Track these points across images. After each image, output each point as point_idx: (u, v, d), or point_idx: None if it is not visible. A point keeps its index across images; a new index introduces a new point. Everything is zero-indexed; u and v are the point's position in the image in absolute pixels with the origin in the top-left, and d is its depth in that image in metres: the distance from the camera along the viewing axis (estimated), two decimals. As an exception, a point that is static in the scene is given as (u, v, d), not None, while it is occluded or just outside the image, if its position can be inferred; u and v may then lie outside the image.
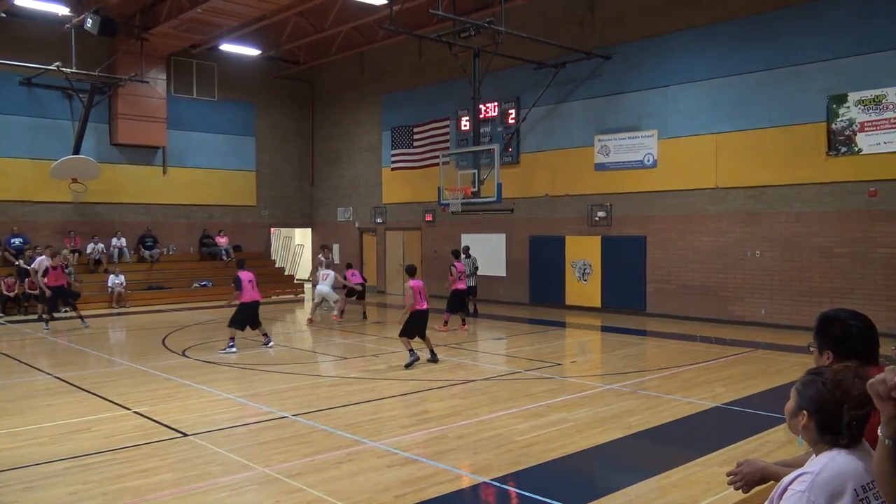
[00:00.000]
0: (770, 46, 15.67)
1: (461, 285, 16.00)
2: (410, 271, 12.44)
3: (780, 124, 15.58)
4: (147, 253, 23.26)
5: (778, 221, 15.72)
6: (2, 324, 17.69)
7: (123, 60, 22.27)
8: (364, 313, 18.22)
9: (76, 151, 21.62)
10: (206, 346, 13.79)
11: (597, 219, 18.91)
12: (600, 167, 18.79)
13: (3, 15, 19.23)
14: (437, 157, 20.66)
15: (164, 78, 23.88)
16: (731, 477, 2.80)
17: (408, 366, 11.17)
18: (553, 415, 8.33)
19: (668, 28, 17.39)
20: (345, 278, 17.63)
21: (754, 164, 16.00)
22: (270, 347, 13.36)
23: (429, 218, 23.44)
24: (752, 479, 2.77)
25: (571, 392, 9.56)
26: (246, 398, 9.30)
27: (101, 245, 22.34)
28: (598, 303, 18.94)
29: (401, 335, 11.55)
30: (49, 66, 20.10)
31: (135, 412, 8.58)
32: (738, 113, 16.23)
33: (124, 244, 22.93)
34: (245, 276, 13.28)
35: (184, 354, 12.85)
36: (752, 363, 11.74)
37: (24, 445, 7.28)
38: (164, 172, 24.36)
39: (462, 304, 16.24)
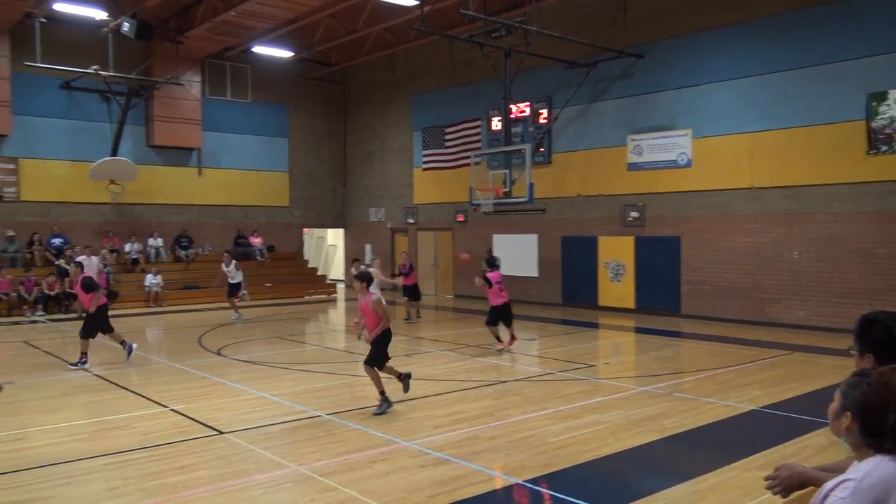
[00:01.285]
0: (805, 44, 15.39)
1: (500, 299, 13.07)
2: (366, 278, 8.73)
3: (816, 123, 15.28)
4: (183, 253, 23.61)
5: (815, 222, 15.43)
6: (43, 322, 18.08)
7: (159, 63, 22.64)
8: (410, 313, 18.08)
9: (114, 153, 22.02)
10: (241, 345, 13.95)
11: (630, 219, 18.74)
12: (633, 167, 18.61)
13: (44, 20, 19.66)
14: (469, 157, 20.64)
15: (199, 80, 24.22)
16: (769, 481, 2.75)
17: (379, 413, 8.41)
18: (586, 416, 8.27)
19: (701, 26, 17.17)
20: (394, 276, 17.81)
21: (791, 164, 15.73)
22: (131, 357, 12.18)
23: (460, 218, 23.44)
24: (790, 483, 2.72)
25: (605, 394, 9.49)
26: (280, 397, 9.38)
27: (138, 245, 22.74)
28: (631, 304, 18.77)
29: (373, 364, 8.62)
30: (87, 69, 20.51)
31: (172, 410, 8.71)
32: (774, 111, 15.96)
33: (161, 244, 23.31)
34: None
35: (219, 353, 13.02)
36: (789, 366, 11.54)
37: (65, 441, 7.43)
38: (199, 173, 24.70)
39: (501, 317, 13.17)
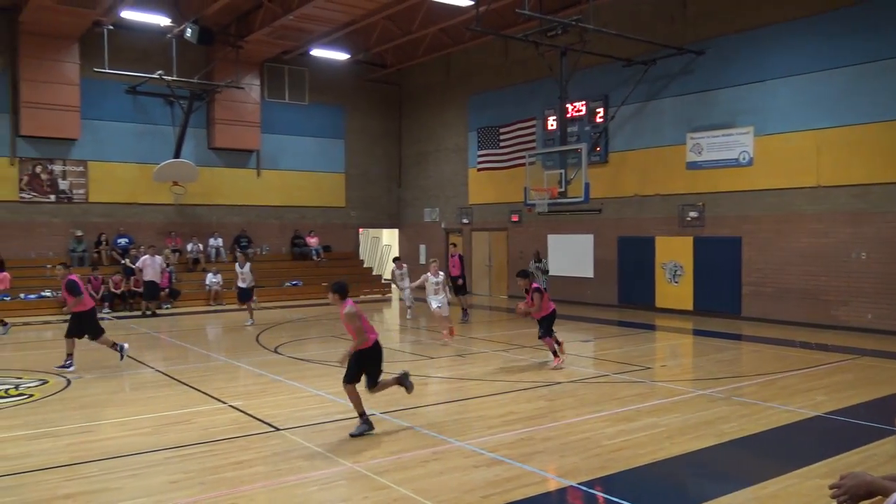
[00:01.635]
0: (873, 37, 14.83)
1: (546, 310, 11.66)
2: (341, 290, 7.66)
3: (886, 119, 14.71)
4: (244, 252, 24.08)
5: (885, 221, 14.85)
6: (109, 319, 18.70)
7: (220, 68, 23.20)
8: (467, 312, 18.17)
9: (177, 155, 22.66)
10: (297, 344, 14.18)
11: (689, 219, 18.36)
12: (693, 166, 18.24)
13: (111, 27, 20.35)
14: (524, 157, 20.57)
15: (258, 83, 24.73)
16: (833, 490, 2.65)
17: (356, 435, 7.46)
18: (642, 419, 8.13)
19: (764, 21, 16.72)
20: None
21: (859, 161, 15.18)
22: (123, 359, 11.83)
23: (515, 218, 23.34)
24: (856, 493, 2.61)
25: (661, 397, 9.31)
26: (335, 395, 9.48)
27: (199, 245, 23.34)
28: (689, 305, 18.39)
29: (350, 382, 7.65)
30: (152, 74, 21.16)
31: (230, 406, 8.91)
32: (841, 108, 15.43)
33: (221, 244, 23.87)
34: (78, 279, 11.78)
35: (276, 351, 13.25)
36: (856, 371, 11.14)
37: (130, 435, 7.67)
38: (258, 175, 25.21)
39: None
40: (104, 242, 21.80)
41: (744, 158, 17.15)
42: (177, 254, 22.66)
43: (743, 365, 12.18)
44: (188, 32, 19.73)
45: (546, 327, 11.54)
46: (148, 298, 19.55)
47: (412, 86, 27.97)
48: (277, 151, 25.50)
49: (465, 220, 25.58)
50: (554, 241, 22.08)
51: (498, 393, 9.61)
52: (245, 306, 17.65)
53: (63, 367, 11.39)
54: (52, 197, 21.58)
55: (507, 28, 20.06)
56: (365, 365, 7.72)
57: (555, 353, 11.51)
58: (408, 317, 18.35)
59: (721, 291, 17.72)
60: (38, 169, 21.38)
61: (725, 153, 17.51)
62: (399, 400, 9.17)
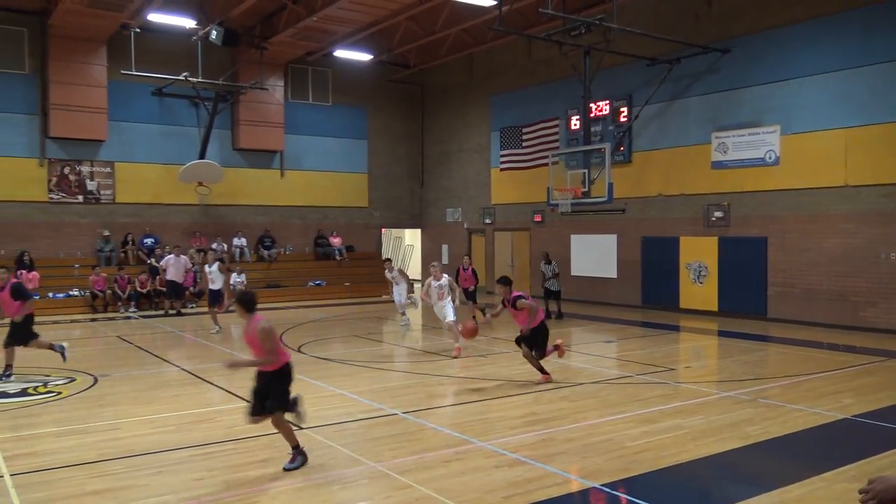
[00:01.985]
0: (906, 34, 14.59)
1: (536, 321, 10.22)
2: (246, 302, 6.73)
3: (918, 117, 14.47)
4: (266, 252, 24.31)
5: (916, 221, 14.61)
6: (136, 318, 18.93)
7: (244, 69, 23.40)
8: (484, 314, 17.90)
9: (202, 156, 22.88)
10: (320, 343, 14.25)
11: (714, 219, 18.19)
12: (718, 165, 18.06)
13: (138, 30, 20.61)
14: (547, 157, 20.50)
15: (282, 85, 24.90)
16: (862, 495, 2.61)
17: (290, 468, 6.47)
18: (666, 421, 8.07)
19: (790, 18, 16.51)
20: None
21: (889, 160, 14.93)
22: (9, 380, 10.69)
23: (538, 219, 23.27)
24: (886, 497, 2.57)
25: (685, 398, 9.23)
26: (357, 394, 9.53)
27: (224, 245, 23.56)
28: (714, 306, 18.21)
29: (281, 410, 6.63)
30: (178, 76, 21.39)
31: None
32: (870, 106, 15.19)
33: (245, 244, 24.07)
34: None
35: (299, 350, 13.33)
36: (884, 373, 10.96)
37: (155, 432, 7.76)
38: (282, 175, 25.38)
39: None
40: (131, 242, 22.08)
41: (770, 157, 16.95)
42: (201, 253, 22.87)
43: (769, 366, 12.03)
44: (213, 34, 19.94)
45: (543, 341, 10.15)
46: (171, 298, 19.76)
47: (435, 86, 28.00)
48: (301, 152, 25.66)
49: (487, 221, 25.56)
50: (577, 241, 21.98)
51: (519, 393, 9.59)
52: (215, 309, 16.24)
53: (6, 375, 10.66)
54: (80, 197, 21.90)
55: (530, 27, 20.01)
56: (270, 386, 6.54)
57: (543, 370, 10.21)
58: (401, 324, 16.57)
59: (746, 292, 17.52)
60: (67, 170, 21.71)
61: (751, 152, 17.31)
62: (422, 400, 9.19)
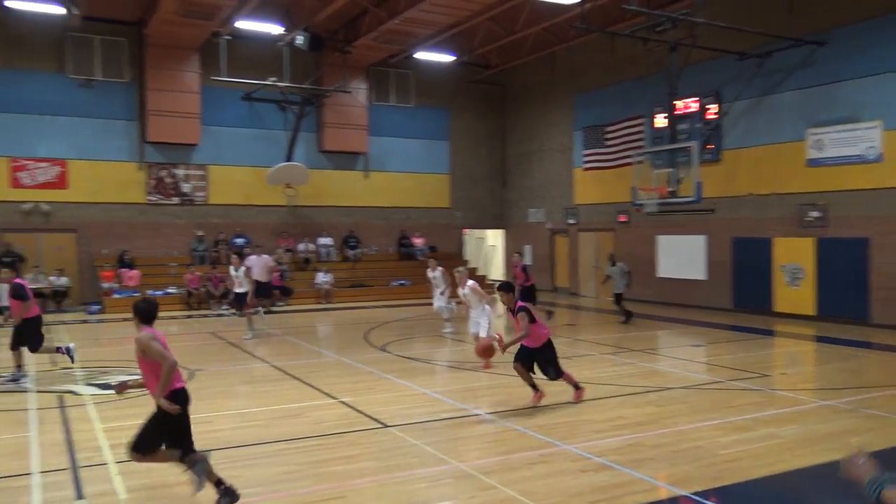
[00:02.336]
0: None
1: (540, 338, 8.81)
2: (141, 312, 5.80)
3: None
4: (350, 253, 24.77)
5: None
6: (228, 315, 19.58)
7: (329, 73, 23.91)
8: (548, 313, 17.23)
9: (288, 159, 23.52)
10: (405, 343, 14.39)
11: (810, 219, 17.39)
12: (814, 163, 17.26)
13: (228, 37, 21.36)
14: (631, 156, 20.08)
15: (365, 87, 25.32)
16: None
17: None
18: (760, 429, 7.75)
19: (891, 8, 15.60)
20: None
21: None
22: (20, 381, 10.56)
23: (622, 219, 22.83)
24: (863, 469, 2.47)
25: (781, 406, 8.85)
26: (441, 394, 9.57)
27: (310, 245, 24.15)
28: (811, 310, 17.40)
29: (185, 453, 5.60)
30: (265, 81, 22.06)
31: (340, 401, 9.14)
32: None
33: (331, 243, 24.61)
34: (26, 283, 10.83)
35: (384, 349, 13.50)
36: None
37: (246, 426, 8.00)
38: (366, 177, 25.80)
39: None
40: (222, 242, 22.91)
41: (871, 154, 16.07)
42: (289, 253, 23.52)
43: (872, 375, 11.41)
44: (299, 40, 20.48)
45: (551, 359, 8.79)
46: (257, 297, 20.28)
47: (516, 85, 27.88)
48: (384, 153, 26.03)
49: (570, 221, 25.25)
50: (664, 242, 21.45)
51: (606, 397, 9.41)
52: (243, 313, 15.78)
53: (14, 379, 10.51)
54: (176, 199, 22.87)
55: (614, 24, 19.64)
56: (165, 422, 5.57)
57: (534, 387, 8.83)
58: (444, 330, 15.60)
59: (847, 296, 16.66)
60: (163, 173, 22.71)
61: (850, 149, 16.47)
62: (505, 401, 9.14)
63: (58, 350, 10.86)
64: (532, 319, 8.63)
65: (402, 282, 24.40)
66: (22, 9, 19.26)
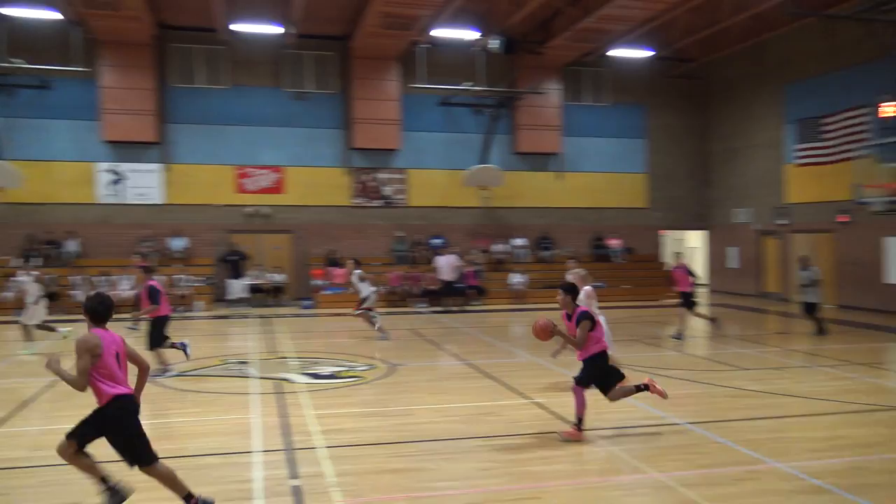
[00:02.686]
0: None
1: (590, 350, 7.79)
2: (90, 310, 5.22)
3: None
4: (546, 254, 24.77)
5: None
6: (427, 313, 20.35)
7: (522, 75, 24.09)
8: (712, 320, 15.81)
9: (483, 161, 23.99)
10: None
11: None
12: None
13: (426, 45, 22.22)
14: (853, 149, 18.23)
15: (559, 87, 25.20)
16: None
17: None
18: None
19: None
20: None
21: None
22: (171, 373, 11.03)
23: (843, 219, 20.79)
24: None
25: None
26: (637, 399, 9.26)
27: (503, 246, 24.48)
28: None
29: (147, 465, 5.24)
30: (460, 86, 22.68)
31: (534, 402, 9.15)
32: None
33: (526, 244, 24.77)
34: (159, 284, 11.15)
35: (577, 352, 13.33)
36: None
37: (443, 421, 8.26)
38: (559, 178, 25.66)
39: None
40: (421, 243, 23.87)
41: None
42: (484, 254, 23.99)
43: None
44: (494, 44, 20.86)
45: (589, 372, 7.68)
46: (444, 295, 20.91)
47: (719, 79, 26.37)
48: (578, 153, 25.75)
49: (781, 221, 23.45)
50: (894, 244, 19.27)
51: (823, 413, 8.62)
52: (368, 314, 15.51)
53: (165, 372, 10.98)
54: (379, 202, 24.19)
55: (831, 7, 17.96)
56: (104, 431, 5.10)
57: (579, 421, 7.47)
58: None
59: None
60: (366, 177, 24.11)
61: None
62: (707, 411, 8.69)
63: (173, 346, 11.04)
64: (592, 329, 7.66)
65: (597, 284, 23.87)
66: (246, 31, 21.34)
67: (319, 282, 22.36)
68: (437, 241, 23.91)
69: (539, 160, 25.48)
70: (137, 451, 5.12)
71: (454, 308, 20.87)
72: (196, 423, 8.36)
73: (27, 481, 6.30)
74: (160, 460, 5.18)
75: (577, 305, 7.99)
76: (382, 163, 24.22)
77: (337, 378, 10.86)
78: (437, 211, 24.66)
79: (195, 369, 11.49)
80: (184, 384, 10.42)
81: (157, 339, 10.91)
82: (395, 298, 21.95)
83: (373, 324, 15.17)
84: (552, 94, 24.98)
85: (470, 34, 21.81)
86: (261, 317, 19.16)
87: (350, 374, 11.20)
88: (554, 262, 24.78)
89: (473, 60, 22.74)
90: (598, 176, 25.98)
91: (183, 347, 10.97)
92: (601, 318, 9.68)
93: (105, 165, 22.13)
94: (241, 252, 21.79)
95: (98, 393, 5.05)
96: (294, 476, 6.33)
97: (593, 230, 25.80)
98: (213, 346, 14.46)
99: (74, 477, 6.26)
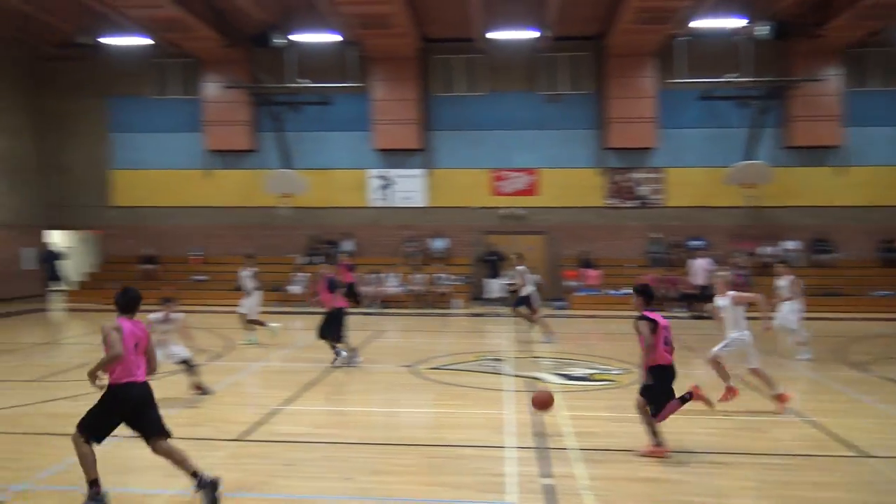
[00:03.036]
0: None
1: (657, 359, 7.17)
2: (117, 301, 5.92)
3: None
4: (823, 257, 22.48)
5: None
6: (685, 318, 19.38)
7: (795, 62, 22.10)
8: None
9: (748, 157, 22.35)
10: (887, 362, 12.51)
11: None
12: None
13: (687, 38, 21.21)
14: None
15: (839, 73, 22.66)
16: None
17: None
18: None
19: None
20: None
21: None
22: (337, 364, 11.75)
23: None
24: None
25: None
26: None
27: (772, 249, 22.56)
28: None
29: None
30: (722, 78, 21.32)
31: (807, 420, 8.34)
32: None
33: (799, 247, 22.64)
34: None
35: (863, 368, 11.91)
36: None
37: (701, 433, 7.78)
38: (839, 173, 23.09)
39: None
40: (679, 244, 22.87)
41: None
42: (750, 257, 22.33)
43: None
44: (762, 30, 19.31)
45: (659, 385, 7.00)
46: (700, 300, 19.66)
47: None
48: (862, 145, 22.95)
49: None
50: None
51: None
52: (519, 314, 15.86)
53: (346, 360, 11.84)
54: (633, 202, 23.64)
55: None
56: (124, 416, 5.66)
57: (654, 434, 6.97)
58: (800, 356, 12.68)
59: None
60: (620, 178, 23.66)
61: None
62: None
63: (337, 344, 11.94)
64: (654, 331, 6.95)
65: (884, 292, 21.19)
66: (502, 38, 22.02)
67: (573, 283, 22.39)
68: (695, 243, 22.74)
69: (815, 154, 23.15)
70: (96, 427, 5.57)
71: (706, 314, 19.60)
72: (454, 416, 8.78)
73: (311, 454, 7.08)
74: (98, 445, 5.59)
75: (649, 309, 7.25)
76: (638, 162, 23.63)
77: (591, 381, 10.79)
78: (695, 211, 23.48)
79: (453, 364, 12.11)
80: (443, 377, 11.02)
81: (335, 331, 11.80)
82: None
83: (533, 322, 15.47)
84: (831, 80, 22.55)
85: (735, 22, 20.43)
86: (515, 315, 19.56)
87: (604, 377, 11.06)
88: (835, 267, 22.40)
89: (738, 50, 21.27)
90: (887, 170, 22.93)
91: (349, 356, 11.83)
92: (742, 334, 8.94)
93: (375, 172, 24.25)
94: (500, 253, 22.53)
95: (109, 374, 5.62)
96: (546, 475, 6.41)
97: (879, 231, 22.83)
98: (470, 343, 15.13)
99: (354, 454, 6.95)
